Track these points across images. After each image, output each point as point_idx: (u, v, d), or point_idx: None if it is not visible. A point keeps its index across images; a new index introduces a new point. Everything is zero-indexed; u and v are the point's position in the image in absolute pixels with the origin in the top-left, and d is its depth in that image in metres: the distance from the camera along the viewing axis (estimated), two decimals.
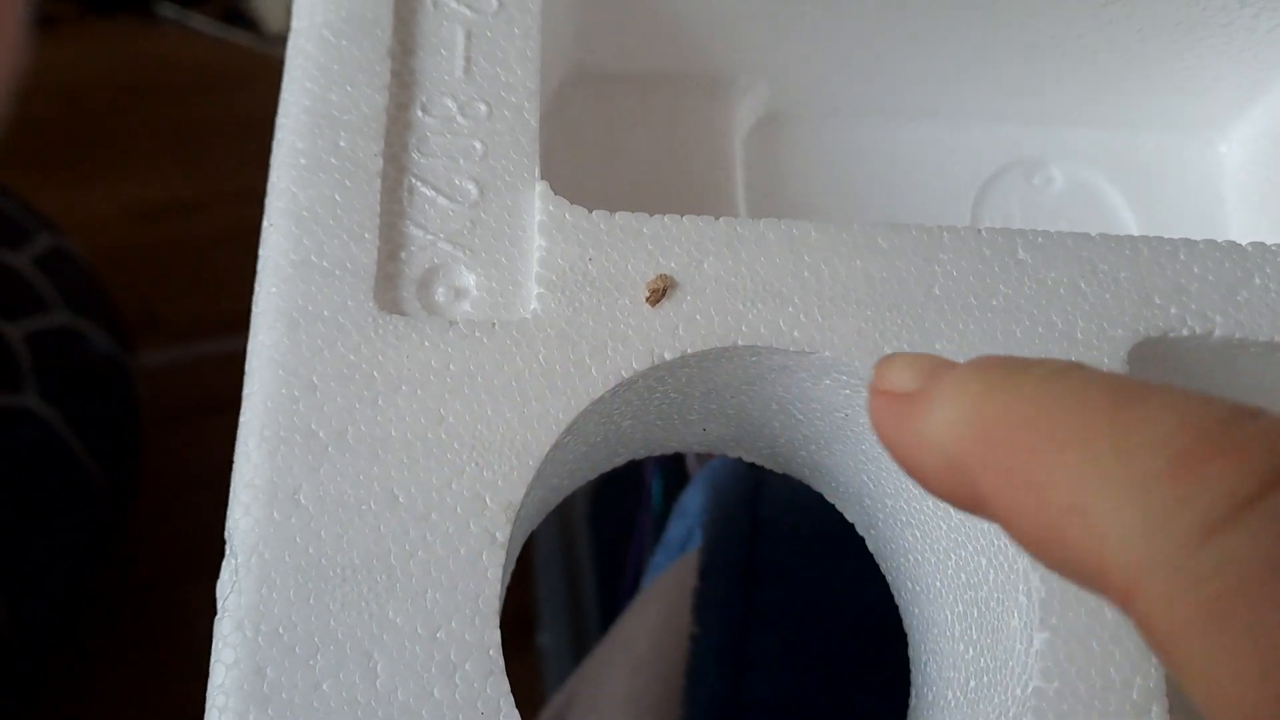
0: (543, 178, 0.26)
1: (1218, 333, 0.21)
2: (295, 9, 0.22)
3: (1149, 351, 0.21)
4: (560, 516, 0.88)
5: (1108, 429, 0.13)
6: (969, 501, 0.15)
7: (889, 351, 0.20)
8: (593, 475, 0.25)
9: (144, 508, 0.84)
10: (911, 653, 0.24)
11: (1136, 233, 0.29)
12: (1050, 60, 0.27)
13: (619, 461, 0.25)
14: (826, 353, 0.20)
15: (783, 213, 0.28)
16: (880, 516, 0.24)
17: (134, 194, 1.17)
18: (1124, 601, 0.12)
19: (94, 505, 0.76)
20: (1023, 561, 0.19)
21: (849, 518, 0.26)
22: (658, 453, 0.26)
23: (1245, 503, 0.12)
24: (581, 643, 0.80)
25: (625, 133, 0.27)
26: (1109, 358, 0.21)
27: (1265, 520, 0.11)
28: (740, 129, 0.28)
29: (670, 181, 0.27)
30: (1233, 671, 0.11)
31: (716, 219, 0.21)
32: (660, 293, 0.20)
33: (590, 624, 0.81)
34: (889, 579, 0.25)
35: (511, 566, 0.22)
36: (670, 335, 0.20)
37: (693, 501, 0.40)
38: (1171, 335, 0.21)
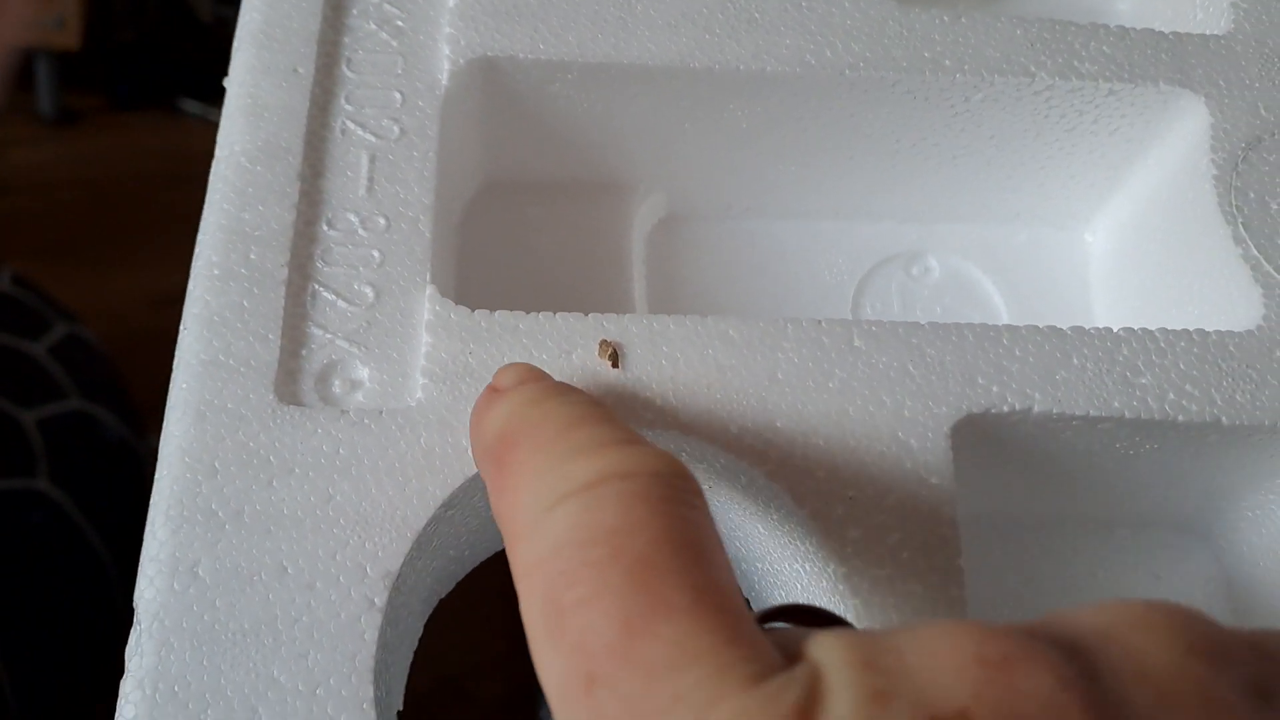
0: (455, 280, 0.29)
1: (1037, 409, 0.24)
2: (219, 139, 0.25)
3: (973, 426, 0.23)
4: None
5: (552, 440, 0.17)
6: (486, 481, 0.19)
7: (734, 430, 0.23)
8: (499, 546, 0.28)
9: None
10: None
11: (1007, 317, 0.31)
12: (915, 164, 0.30)
13: None
14: (674, 431, 0.23)
15: (680, 306, 0.31)
16: (755, 578, 0.26)
17: (152, 281, 1.22)
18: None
19: (104, 587, 0.79)
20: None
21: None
22: None
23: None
24: None
25: (534, 237, 0.30)
26: (933, 433, 0.23)
27: None
28: (640, 230, 0.31)
29: (576, 280, 0.30)
30: None
31: (585, 315, 0.24)
32: (613, 356, 0.23)
33: None
34: None
35: (415, 633, 0.24)
36: None
37: None
38: (993, 412, 0.23)
